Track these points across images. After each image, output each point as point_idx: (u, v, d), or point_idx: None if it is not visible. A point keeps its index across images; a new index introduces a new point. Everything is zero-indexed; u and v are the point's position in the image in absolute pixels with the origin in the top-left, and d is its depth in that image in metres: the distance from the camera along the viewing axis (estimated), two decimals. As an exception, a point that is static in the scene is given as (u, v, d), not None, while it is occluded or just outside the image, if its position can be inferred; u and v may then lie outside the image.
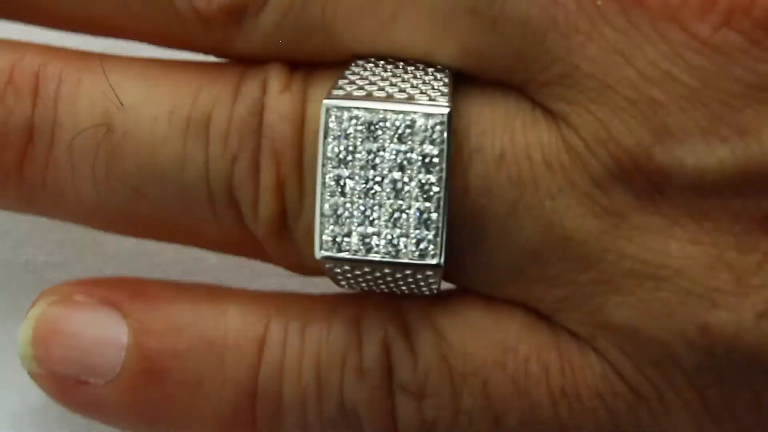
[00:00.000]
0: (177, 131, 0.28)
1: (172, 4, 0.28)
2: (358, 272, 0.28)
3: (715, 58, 0.27)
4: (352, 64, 0.28)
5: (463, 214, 0.28)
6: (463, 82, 0.28)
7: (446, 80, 0.28)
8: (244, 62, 0.29)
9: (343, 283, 0.29)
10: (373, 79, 0.28)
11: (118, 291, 0.30)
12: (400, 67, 0.28)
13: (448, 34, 0.28)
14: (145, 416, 0.30)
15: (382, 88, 0.28)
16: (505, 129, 0.28)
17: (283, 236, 0.29)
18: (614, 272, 0.28)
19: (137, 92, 0.29)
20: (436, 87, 0.28)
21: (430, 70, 0.28)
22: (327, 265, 0.28)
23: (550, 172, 0.28)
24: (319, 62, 0.29)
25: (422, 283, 0.28)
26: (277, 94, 0.28)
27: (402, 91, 0.28)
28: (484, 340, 0.29)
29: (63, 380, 0.30)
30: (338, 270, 0.28)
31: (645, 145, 0.27)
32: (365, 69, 0.28)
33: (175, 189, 0.29)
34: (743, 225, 0.27)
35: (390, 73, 0.28)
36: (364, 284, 0.29)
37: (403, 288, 0.29)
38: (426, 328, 0.29)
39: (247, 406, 0.29)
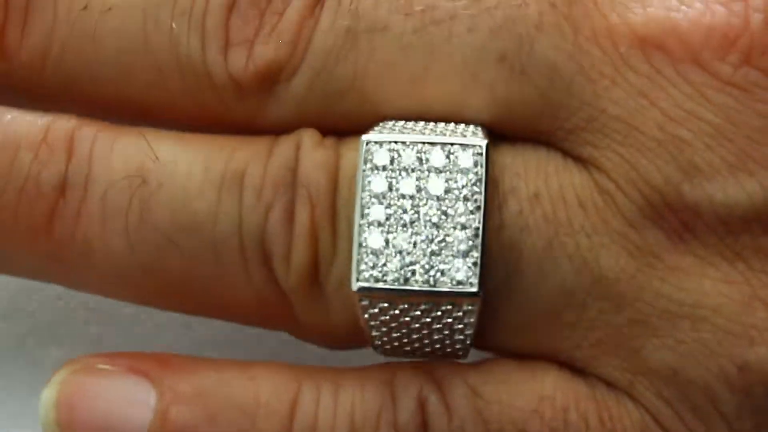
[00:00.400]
0: (211, 185, 0.29)
1: (208, 74, 0.29)
2: (394, 312, 0.28)
3: (737, 95, 0.28)
4: (384, 121, 0.29)
5: (499, 250, 0.28)
6: (494, 140, 0.29)
7: (479, 130, 0.29)
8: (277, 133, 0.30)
9: (374, 332, 0.28)
10: (407, 127, 0.29)
11: (143, 360, 0.29)
12: (432, 124, 0.29)
13: (478, 84, 0.29)
14: None
15: (416, 130, 0.28)
16: (538, 172, 0.28)
17: (315, 289, 0.29)
18: (650, 312, 0.28)
19: (173, 149, 0.29)
20: (469, 131, 0.28)
21: (461, 125, 0.29)
22: (362, 302, 0.28)
23: (584, 212, 0.28)
24: (350, 132, 0.30)
25: (458, 327, 0.28)
26: (311, 148, 0.29)
27: (437, 132, 0.28)
28: (520, 392, 0.28)
29: None
30: (373, 311, 0.28)
31: (674, 183, 0.28)
32: (397, 123, 0.29)
33: (207, 240, 0.29)
34: None
35: (422, 127, 0.29)
36: (396, 335, 0.28)
37: (437, 339, 0.28)
38: (459, 385, 0.29)
39: None
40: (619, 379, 0.28)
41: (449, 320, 0.28)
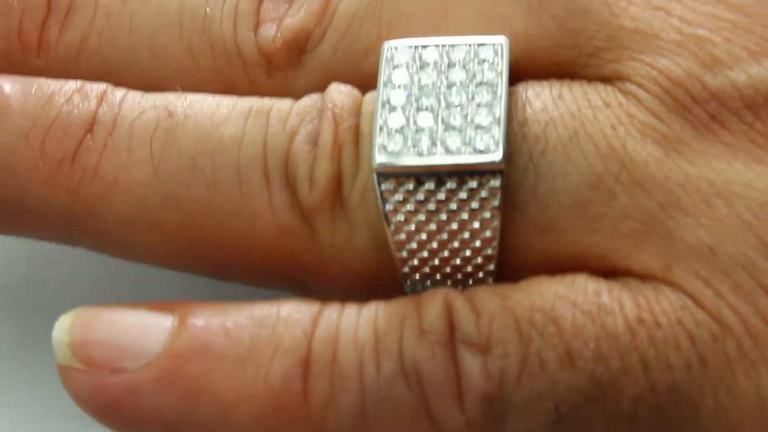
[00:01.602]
0: (238, 114, 0.29)
1: (238, 52, 0.30)
2: (418, 197, 0.27)
3: None
4: None
5: (523, 140, 0.27)
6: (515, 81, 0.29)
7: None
8: None
9: (398, 236, 0.27)
10: None
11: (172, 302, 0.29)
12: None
13: (497, 23, 0.29)
14: (184, 397, 0.27)
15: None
16: (562, 83, 0.28)
17: (337, 207, 0.28)
18: (681, 193, 0.27)
19: (202, 95, 0.30)
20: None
21: None
22: (384, 186, 0.27)
23: (609, 109, 0.28)
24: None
25: (486, 214, 0.27)
26: (336, 84, 0.29)
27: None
28: (550, 288, 0.27)
29: (96, 370, 0.27)
30: (397, 198, 0.27)
31: (696, 75, 0.28)
32: None
33: (231, 164, 0.29)
34: None
35: None
36: (422, 236, 0.27)
37: (465, 236, 0.27)
38: (488, 291, 0.27)
39: (300, 374, 0.27)
40: (655, 267, 0.27)
41: (475, 206, 0.27)
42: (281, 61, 0.30)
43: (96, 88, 0.30)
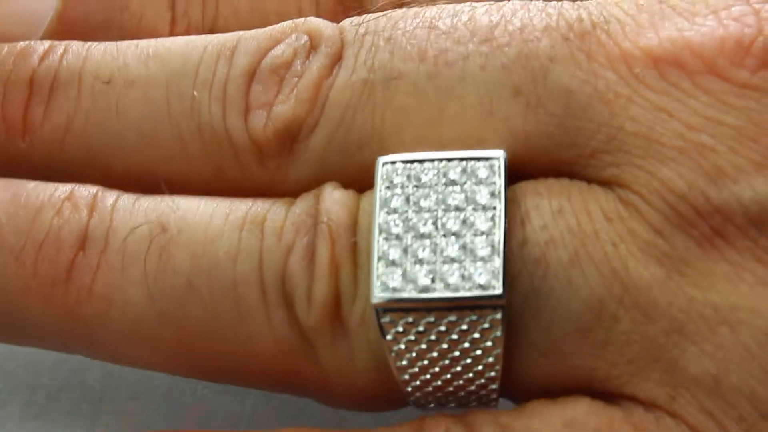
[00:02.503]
0: (232, 228, 0.29)
1: (228, 138, 0.29)
2: (418, 329, 0.27)
3: (757, 97, 0.27)
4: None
5: (523, 264, 0.27)
6: (513, 179, 0.29)
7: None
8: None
9: (400, 362, 0.27)
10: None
11: None
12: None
13: (494, 120, 0.28)
14: None
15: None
16: (561, 192, 0.28)
17: (337, 327, 0.28)
18: (685, 320, 0.26)
19: (194, 202, 0.29)
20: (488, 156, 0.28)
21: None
22: (384, 320, 0.27)
23: (610, 224, 0.27)
24: (371, 182, 0.29)
25: (487, 343, 0.27)
26: (331, 191, 0.29)
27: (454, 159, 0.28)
28: (550, 420, 0.27)
29: None
30: (397, 330, 0.27)
31: (699, 189, 0.27)
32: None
33: (227, 282, 0.28)
34: None
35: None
36: (423, 362, 0.27)
37: (467, 362, 0.27)
38: (489, 422, 0.27)
39: None
40: (658, 396, 0.26)
41: (476, 336, 0.27)
42: (273, 150, 0.29)
43: (86, 194, 0.30)
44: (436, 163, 0.27)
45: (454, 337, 0.27)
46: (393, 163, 0.28)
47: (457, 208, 0.27)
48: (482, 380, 0.27)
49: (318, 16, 0.31)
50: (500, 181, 0.27)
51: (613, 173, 0.28)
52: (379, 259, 0.27)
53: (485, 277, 0.26)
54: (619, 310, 0.27)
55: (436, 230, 0.27)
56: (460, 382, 0.27)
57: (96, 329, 0.29)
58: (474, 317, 0.26)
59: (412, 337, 0.27)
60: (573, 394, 0.27)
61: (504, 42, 0.29)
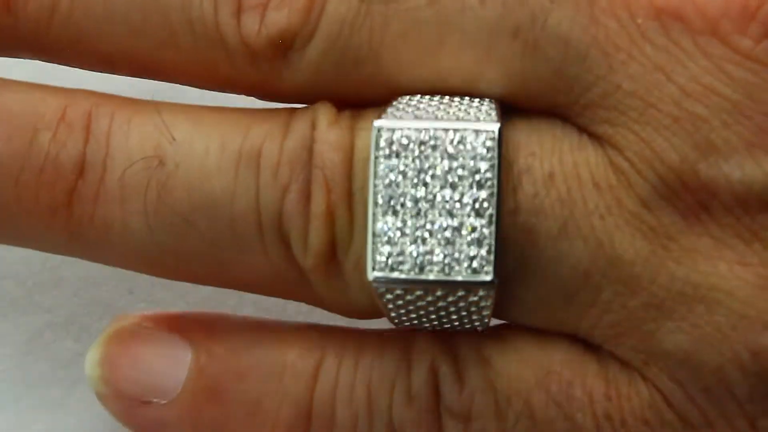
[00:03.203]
0: (228, 163, 0.29)
1: (220, 38, 0.29)
2: (410, 297, 0.28)
3: (757, 70, 0.27)
4: (399, 98, 0.29)
5: (514, 234, 0.28)
6: (508, 113, 0.29)
7: (493, 105, 0.28)
8: (291, 104, 0.30)
9: (393, 314, 0.29)
10: (420, 106, 0.28)
11: (184, 321, 0.31)
12: (446, 99, 0.29)
13: (492, 58, 0.28)
14: None
15: (430, 113, 0.28)
16: (553, 150, 0.28)
17: (332, 269, 0.29)
18: (665, 296, 0.28)
19: (189, 129, 0.29)
20: (483, 110, 0.28)
21: (476, 100, 0.29)
22: (379, 289, 0.28)
23: (598, 192, 0.28)
24: (366, 102, 0.29)
25: (474, 309, 0.28)
26: (326, 127, 0.29)
27: (450, 114, 0.28)
28: (529, 364, 0.29)
29: (128, 400, 0.30)
30: (390, 296, 0.28)
31: (690, 162, 0.27)
32: (412, 100, 0.29)
33: (225, 219, 0.29)
34: None
35: (437, 103, 0.28)
36: (414, 315, 0.29)
37: (454, 318, 0.29)
38: (473, 356, 0.29)
39: (302, 426, 0.30)
40: (633, 359, 0.28)
41: (465, 304, 0.28)
42: (266, 55, 0.29)
43: (80, 114, 0.29)
44: (431, 131, 0.27)
45: (444, 303, 0.28)
46: (388, 129, 0.28)
47: (452, 185, 0.27)
48: (471, 326, 0.29)
49: None
50: (496, 161, 0.27)
51: (607, 131, 0.28)
52: (375, 235, 0.27)
53: (477, 261, 0.27)
54: (603, 281, 0.28)
55: (432, 207, 0.27)
56: (450, 326, 0.29)
57: (97, 249, 0.30)
58: (464, 292, 0.28)
59: (405, 301, 0.28)
60: (558, 337, 0.29)
61: None
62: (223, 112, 0.30)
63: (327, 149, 0.28)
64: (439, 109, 0.28)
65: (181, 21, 0.29)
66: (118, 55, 0.30)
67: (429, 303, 0.28)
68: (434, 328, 0.30)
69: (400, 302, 0.28)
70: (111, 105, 0.30)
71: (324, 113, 0.29)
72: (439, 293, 0.28)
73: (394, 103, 0.28)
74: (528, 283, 0.28)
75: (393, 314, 0.29)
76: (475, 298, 0.28)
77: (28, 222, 0.30)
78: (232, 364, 0.30)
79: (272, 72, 0.29)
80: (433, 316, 0.29)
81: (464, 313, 0.28)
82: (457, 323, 0.29)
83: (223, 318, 0.31)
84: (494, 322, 0.30)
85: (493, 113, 0.28)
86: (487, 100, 0.29)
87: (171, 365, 0.30)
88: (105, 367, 0.30)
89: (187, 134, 0.29)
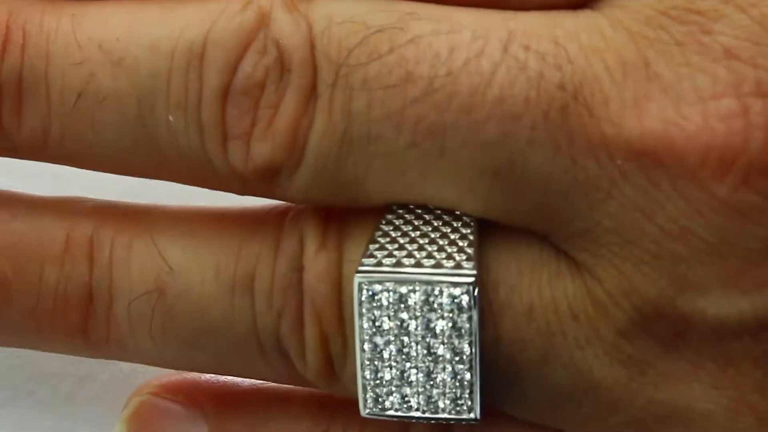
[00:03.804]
0: (224, 291, 0.30)
1: (210, 164, 0.30)
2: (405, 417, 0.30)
3: (733, 216, 0.27)
4: (382, 222, 0.29)
5: (497, 362, 0.29)
6: (489, 228, 0.29)
7: (472, 238, 0.29)
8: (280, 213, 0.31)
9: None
10: (401, 241, 0.29)
11: (200, 392, 0.33)
12: (429, 222, 0.29)
13: (474, 194, 0.29)
14: None
15: (410, 254, 0.29)
16: (531, 282, 0.29)
17: (333, 379, 0.31)
18: (644, 417, 0.29)
19: (184, 255, 0.31)
20: (461, 247, 0.29)
21: (457, 224, 0.29)
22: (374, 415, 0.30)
23: (577, 324, 0.29)
24: (353, 209, 0.30)
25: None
26: (313, 254, 0.30)
27: (430, 255, 0.29)
28: None
29: None
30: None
31: (668, 297, 0.28)
32: (394, 228, 0.29)
33: (227, 343, 0.31)
34: (763, 369, 0.28)
35: (418, 233, 0.29)
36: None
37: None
38: None
39: None
40: None
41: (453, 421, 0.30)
42: (255, 180, 0.30)
43: (82, 242, 0.31)
44: (411, 285, 0.28)
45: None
46: (369, 282, 0.29)
47: (434, 334, 0.29)
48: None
49: None
50: (473, 309, 0.28)
51: (587, 260, 0.29)
52: (364, 378, 0.29)
53: (461, 401, 0.29)
54: (584, 401, 0.29)
55: (416, 353, 0.29)
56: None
57: (120, 358, 0.32)
58: (453, 418, 0.30)
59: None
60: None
61: (483, 116, 0.28)
62: (215, 230, 0.31)
63: (315, 281, 0.30)
64: (420, 245, 0.29)
65: (170, 149, 0.30)
66: (115, 170, 0.31)
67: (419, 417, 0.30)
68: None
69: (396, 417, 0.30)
70: (110, 229, 0.31)
71: (311, 234, 0.30)
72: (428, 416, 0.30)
73: (377, 235, 0.29)
74: (514, 400, 0.30)
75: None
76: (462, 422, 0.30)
77: (51, 344, 0.32)
78: None
79: (264, 191, 0.30)
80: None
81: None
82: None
83: (236, 387, 0.33)
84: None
85: (471, 250, 0.29)
86: (467, 227, 0.29)
87: None
88: None
89: (183, 263, 0.31)
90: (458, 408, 0.29)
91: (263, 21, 0.29)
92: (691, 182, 0.27)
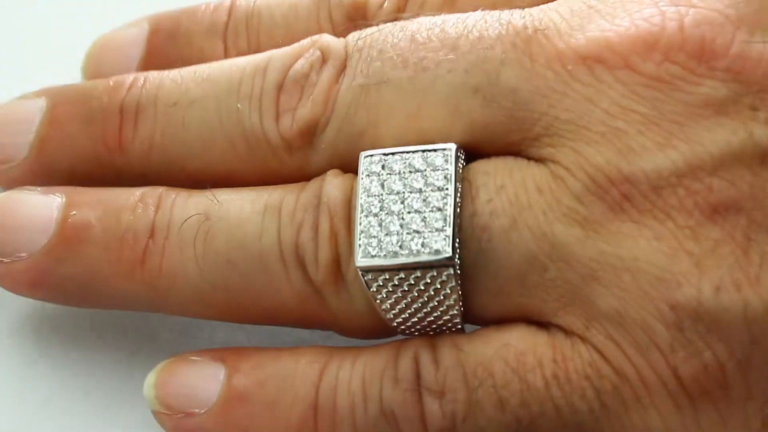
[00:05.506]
0: (256, 213, 0.37)
1: (266, 138, 0.38)
2: (393, 283, 0.35)
3: (660, 87, 0.34)
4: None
5: (472, 230, 0.35)
6: (472, 159, 0.36)
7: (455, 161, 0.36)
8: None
9: (383, 306, 0.35)
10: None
11: (224, 351, 0.38)
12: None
13: (460, 113, 0.36)
14: None
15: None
16: (504, 170, 0.35)
17: (339, 281, 0.36)
18: (598, 268, 0.34)
19: (229, 195, 0.38)
20: (446, 156, 0.36)
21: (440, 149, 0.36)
22: (366, 277, 0.35)
23: (541, 195, 0.35)
24: None
25: (446, 290, 0.35)
26: (332, 177, 0.37)
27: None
28: (490, 343, 0.35)
29: (176, 413, 0.37)
30: (378, 284, 0.35)
31: (614, 163, 0.34)
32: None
33: (255, 254, 0.37)
34: (696, 219, 0.33)
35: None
36: (400, 305, 0.35)
37: (434, 306, 0.35)
38: (447, 344, 0.35)
39: (311, 416, 0.36)
40: (576, 326, 0.34)
41: (438, 286, 0.34)
42: (298, 143, 0.38)
43: (154, 195, 0.38)
44: (404, 155, 0.35)
45: (421, 287, 0.35)
46: (371, 155, 0.35)
47: (420, 191, 0.35)
48: (448, 316, 0.35)
49: (334, 31, 0.40)
50: (451, 168, 0.35)
51: (550, 152, 0.35)
52: (361, 232, 0.35)
53: (439, 243, 0.34)
54: (547, 262, 0.34)
55: (404, 208, 0.35)
56: (431, 318, 0.35)
57: (168, 296, 0.38)
58: (434, 273, 0.34)
59: (389, 289, 0.35)
60: (516, 322, 0.35)
61: (466, 50, 0.36)
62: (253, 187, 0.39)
63: (332, 189, 0.36)
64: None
65: (237, 132, 0.39)
66: (198, 170, 0.39)
67: (409, 288, 0.35)
68: (424, 328, 0.36)
69: (387, 290, 0.35)
70: (176, 190, 0.39)
71: (331, 172, 0.37)
72: (415, 275, 0.34)
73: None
74: (488, 270, 0.35)
75: (384, 307, 0.35)
76: (444, 278, 0.34)
77: (114, 282, 0.38)
78: (256, 375, 0.37)
79: (304, 158, 0.38)
80: (416, 305, 0.35)
81: (440, 298, 0.35)
82: (438, 314, 0.35)
83: (256, 348, 0.38)
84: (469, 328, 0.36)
85: (451, 155, 0.36)
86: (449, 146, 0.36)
87: (208, 381, 0.37)
88: (158, 389, 0.37)
89: (228, 198, 0.38)
90: (436, 251, 0.34)
91: (314, 42, 0.39)
92: (625, 68, 0.35)
